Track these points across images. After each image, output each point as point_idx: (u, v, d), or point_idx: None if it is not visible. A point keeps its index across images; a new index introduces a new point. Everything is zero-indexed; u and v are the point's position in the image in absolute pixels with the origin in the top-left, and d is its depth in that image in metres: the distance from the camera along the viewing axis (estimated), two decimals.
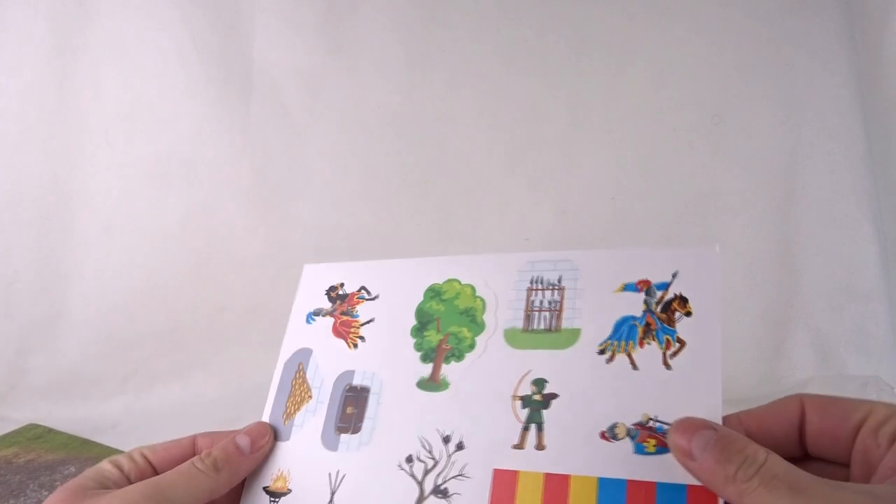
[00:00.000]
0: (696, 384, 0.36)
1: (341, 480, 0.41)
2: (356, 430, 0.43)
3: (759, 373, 0.72)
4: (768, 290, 0.72)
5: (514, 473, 0.38)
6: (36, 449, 0.74)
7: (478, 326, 0.43)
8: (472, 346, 0.42)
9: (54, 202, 0.65)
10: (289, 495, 0.42)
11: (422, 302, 0.45)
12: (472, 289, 0.44)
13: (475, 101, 0.78)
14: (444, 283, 0.45)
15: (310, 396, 0.45)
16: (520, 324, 0.42)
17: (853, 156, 0.65)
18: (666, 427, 0.36)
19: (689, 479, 0.34)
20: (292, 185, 0.78)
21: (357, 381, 0.44)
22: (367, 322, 0.46)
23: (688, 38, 0.71)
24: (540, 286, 0.43)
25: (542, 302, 0.42)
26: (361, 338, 0.46)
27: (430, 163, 0.79)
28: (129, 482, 0.41)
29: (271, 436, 0.44)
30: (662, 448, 0.35)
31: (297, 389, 0.46)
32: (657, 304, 0.39)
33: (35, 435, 0.78)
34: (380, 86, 0.77)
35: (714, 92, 0.72)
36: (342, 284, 0.49)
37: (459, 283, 0.45)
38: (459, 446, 0.40)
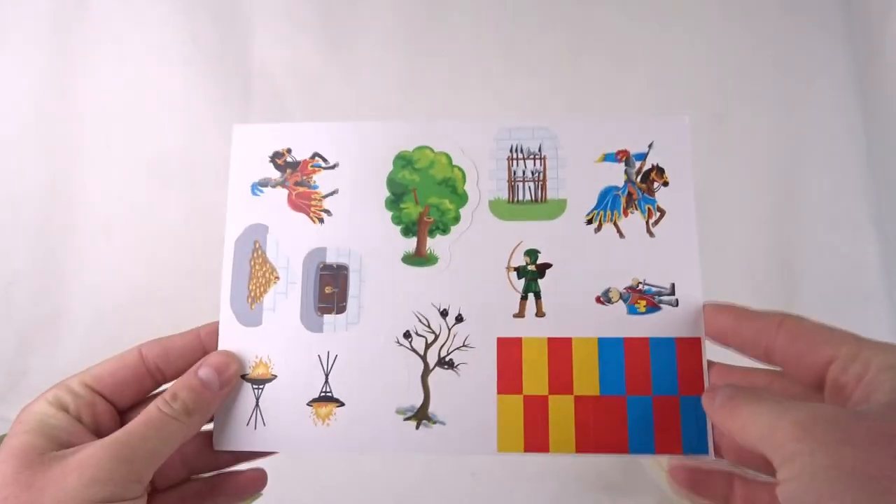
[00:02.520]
0: (676, 249, 0.40)
1: (334, 361, 0.41)
2: (340, 309, 0.41)
3: None
4: (768, 290, 0.73)
5: (518, 340, 0.40)
6: None
7: (460, 198, 0.42)
8: (456, 219, 0.42)
9: (54, 202, 0.62)
10: (275, 381, 0.41)
11: (392, 171, 0.43)
12: (448, 157, 0.43)
13: (475, 100, 0.75)
14: (415, 150, 0.43)
15: (276, 277, 0.42)
16: (504, 195, 0.42)
17: (853, 156, 0.66)
18: (654, 289, 0.40)
19: (678, 333, 0.39)
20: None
21: (331, 259, 0.42)
22: (331, 194, 0.43)
23: (688, 38, 0.69)
24: (520, 155, 0.42)
25: (524, 172, 0.42)
26: (326, 211, 0.43)
27: None
28: (84, 427, 0.35)
29: (238, 365, 0.40)
30: (652, 308, 0.40)
31: (257, 270, 0.42)
32: (637, 174, 0.42)
33: None
34: (380, 85, 0.74)
35: (714, 92, 0.71)
36: (289, 150, 0.43)
37: (432, 150, 0.43)
38: (459, 319, 0.41)
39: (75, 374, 0.37)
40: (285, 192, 0.43)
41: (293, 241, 0.42)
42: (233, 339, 0.41)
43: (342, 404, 0.40)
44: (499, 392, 0.40)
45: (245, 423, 0.40)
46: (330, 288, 0.42)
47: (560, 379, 0.39)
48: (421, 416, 0.40)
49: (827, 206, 0.69)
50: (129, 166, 0.67)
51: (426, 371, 0.40)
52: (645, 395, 0.39)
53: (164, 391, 0.37)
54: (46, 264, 0.65)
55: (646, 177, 0.42)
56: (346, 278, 0.42)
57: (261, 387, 0.41)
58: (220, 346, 0.41)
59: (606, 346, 0.40)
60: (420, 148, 0.43)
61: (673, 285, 0.40)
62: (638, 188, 0.41)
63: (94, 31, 0.69)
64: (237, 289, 0.42)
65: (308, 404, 0.40)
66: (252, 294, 0.42)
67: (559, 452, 0.39)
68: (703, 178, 0.72)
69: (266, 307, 0.42)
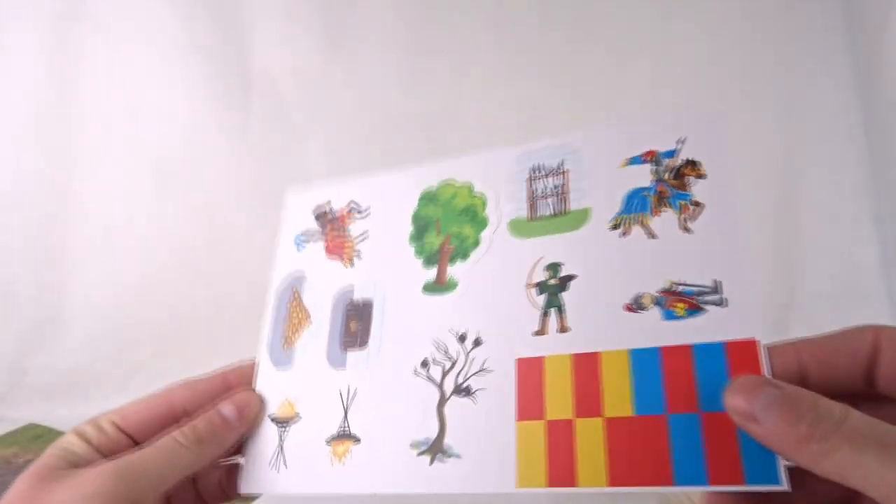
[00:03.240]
0: (718, 244, 0.34)
1: (353, 396, 0.39)
2: (363, 343, 0.40)
3: None
4: (768, 289, 0.71)
5: (539, 360, 0.35)
6: (36, 449, 0.72)
7: (480, 223, 0.41)
8: (476, 243, 0.40)
9: (54, 202, 0.62)
10: (299, 421, 0.40)
11: (417, 209, 0.43)
12: (469, 187, 0.42)
13: (475, 100, 0.76)
14: (438, 186, 0.43)
15: (309, 320, 0.43)
16: (524, 213, 0.40)
17: (853, 156, 0.64)
18: (694, 289, 0.34)
19: (727, 336, 0.32)
20: (292, 184, 0.76)
21: (358, 296, 0.42)
22: (361, 236, 0.44)
23: (687, 38, 0.69)
24: (541, 173, 0.40)
25: (545, 188, 0.40)
26: (357, 253, 0.43)
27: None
28: (101, 455, 0.36)
29: (260, 405, 0.41)
30: (694, 310, 0.34)
31: (294, 315, 0.43)
32: (667, 171, 0.37)
33: (35, 435, 0.77)
34: (379, 86, 0.75)
35: (714, 92, 0.70)
36: (329, 202, 0.46)
37: (454, 183, 0.42)
38: (477, 342, 0.37)
39: (106, 413, 0.38)
40: (323, 241, 0.45)
41: (326, 284, 0.43)
42: (265, 381, 0.42)
43: (358, 441, 0.38)
44: (518, 419, 0.35)
45: (268, 465, 0.39)
46: (355, 324, 0.41)
47: (587, 399, 0.34)
48: (435, 449, 0.36)
49: (827, 205, 0.65)
50: (129, 166, 0.66)
51: (442, 400, 0.37)
52: (690, 412, 0.32)
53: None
54: (46, 264, 0.64)
55: (678, 172, 0.37)
56: (369, 313, 0.41)
57: (285, 427, 0.40)
58: (255, 387, 0.42)
59: (640, 358, 0.33)
60: (444, 183, 0.43)
61: (717, 283, 0.34)
62: (669, 185, 0.37)
63: (94, 32, 0.68)
64: (275, 334, 0.43)
65: (327, 443, 0.38)
66: (286, 338, 0.43)
67: (589, 486, 0.32)
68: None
69: (298, 350, 0.42)
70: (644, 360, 0.33)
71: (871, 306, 0.62)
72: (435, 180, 0.43)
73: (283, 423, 0.40)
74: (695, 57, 0.68)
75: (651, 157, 0.38)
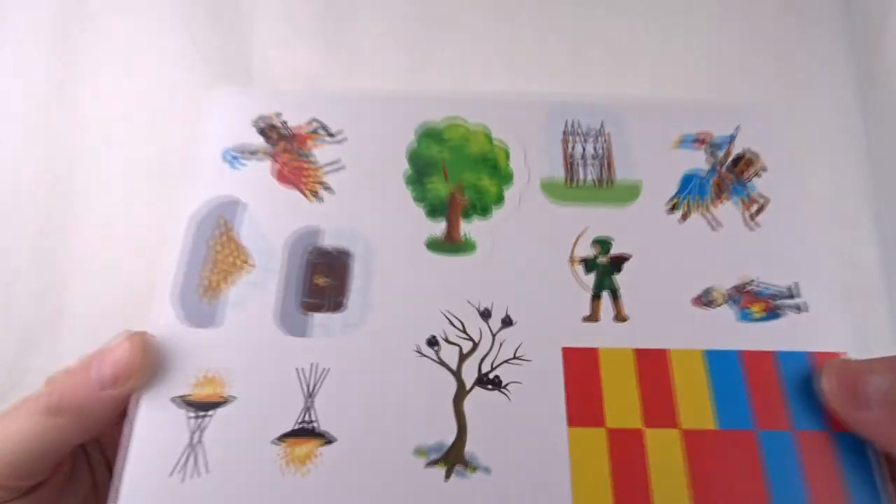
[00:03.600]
0: (790, 243, 0.31)
1: (322, 377, 0.27)
2: (335, 306, 0.29)
3: None
4: None
5: (593, 352, 0.28)
6: None
7: (502, 177, 0.32)
8: (498, 199, 0.32)
9: (54, 202, 0.61)
10: (228, 406, 0.27)
11: (415, 146, 0.33)
12: (485, 132, 0.33)
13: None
14: (444, 123, 0.34)
15: (248, 263, 0.30)
16: (560, 175, 0.32)
17: (853, 156, 0.63)
18: (771, 290, 0.29)
19: (812, 346, 0.28)
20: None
21: (328, 242, 0.30)
22: (331, 165, 0.32)
23: (687, 38, 0.67)
24: (578, 132, 0.34)
25: (584, 152, 0.33)
26: (325, 186, 0.32)
27: None
28: None
29: (145, 367, 0.27)
30: (772, 313, 0.29)
31: (220, 254, 0.30)
32: (724, 160, 0.33)
33: None
34: (380, 85, 0.70)
35: (714, 92, 0.67)
36: (279, 115, 0.34)
37: (466, 123, 0.34)
38: (506, 322, 0.29)
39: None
40: (272, 164, 0.32)
41: (278, 219, 0.31)
42: (171, 343, 0.28)
43: (328, 441, 0.26)
44: (570, 424, 0.27)
45: (170, 472, 0.26)
46: (323, 279, 0.30)
47: (658, 406, 0.27)
48: (453, 458, 0.26)
49: (827, 205, 0.64)
50: (130, 166, 0.63)
51: (461, 393, 0.27)
52: (781, 429, 0.27)
53: None
54: (46, 264, 0.62)
55: (736, 163, 0.33)
56: (346, 267, 0.30)
57: (204, 415, 0.27)
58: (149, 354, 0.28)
59: (717, 362, 0.28)
60: (451, 120, 0.34)
61: (793, 286, 0.30)
62: (728, 176, 0.33)
63: (94, 31, 0.67)
64: (187, 277, 0.29)
65: (276, 441, 0.26)
66: (208, 283, 0.29)
67: None
68: None
69: (230, 301, 0.29)
70: (722, 364, 0.28)
71: (872, 306, 0.62)
72: (438, 114, 0.34)
73: (199, 408, 0.27)
74: (694, 57, 0.68)
75: (705, 141, 0.33)
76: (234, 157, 0.32)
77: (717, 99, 0.35)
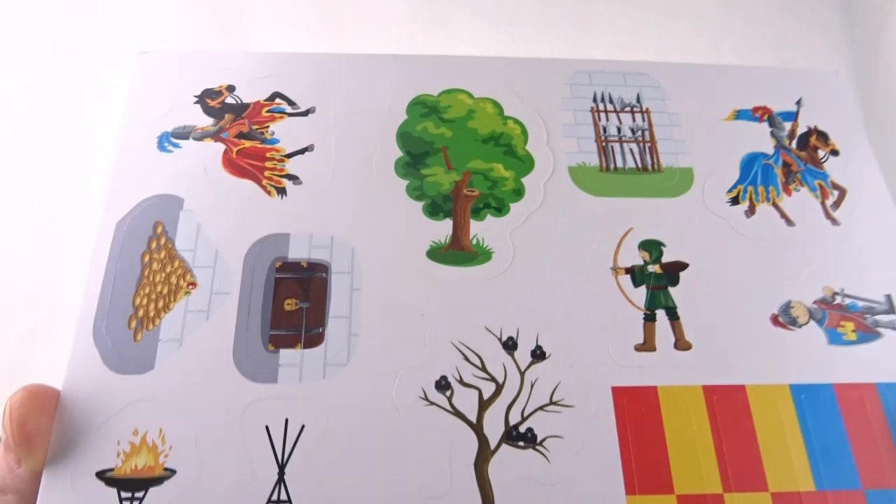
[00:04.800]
0: (880, 242, 0.25)
1: (296, 439, 0.20)
2: (313, 340, 0.22)
3: None
4: None
5: (651, 391, 0.22)
6: None
7: (521, 163, 0.25)
8: (518, 192, 0.25)
9: (54, 202, 0.61)
10: (169, 483, 0.20)
11: (406, 121, 0.26)
12: (496, 105, 0.26)
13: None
14: (442, 95, 0.27)
15: (190, 283, 0.22)
16: (593, 159, 0.26)
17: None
18: (862, 304, 0.23)
19: None
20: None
21: (298, 254, 0.23)
22: (300, 152, 0.25)
23: (687, 38, 0.65)
24: (611, 107, 0.27)
25: (620, 129, 0.26)
26: (291, 177, 0.24)
27: None
28: None
29: (44, 435, 0.20)
30: (866, 334, 0.23)
31: (155, 272, 0.23)
32: (790, 139, 0.27)
33: None
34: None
35: None
36: (230, 88, 0.26)
37: (470, 95, 0.27)
38: (538, 355, 0.22)
39: None
40: (220, 147, 0.25)
41: (229, 223, 0.23)
42: (89, 395, 0.20)
43: None
44: (629, 492, 0.20)
45: None
46: (293, 302, 0.22)
47: (739, 462, 0.21)
48: None
49: None
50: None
51: (484, 453, 0.21)
52: (893, 486, 0.21)
53: None
54: (46, 264, 0.61)
55: (804, 142, 0.27)
56: (324, 285, 0.23)
57: (137, 498, 0.19)
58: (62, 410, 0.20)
59: (809, 400, 0.22)
60: (450, 91, 0.26)
61: (891, 297, 0.24)
62: (797, 157, 0.26)
63: (93, 30, 0.67)
64: (113, 305, 0.22)
65: None
66: (141, 314, 0.22)
67: None
68: None
69: (165, 337, 0.21)
70: (815, 403, 0.22)
71: None
72: (434, 84, 0.27)
73: (131, 486, 0.20)
74: (694, 57, 0.65)
75: (766, 115, 0.27)
76: (168, 140, 0.25)
77: (773, 68, 0.28)
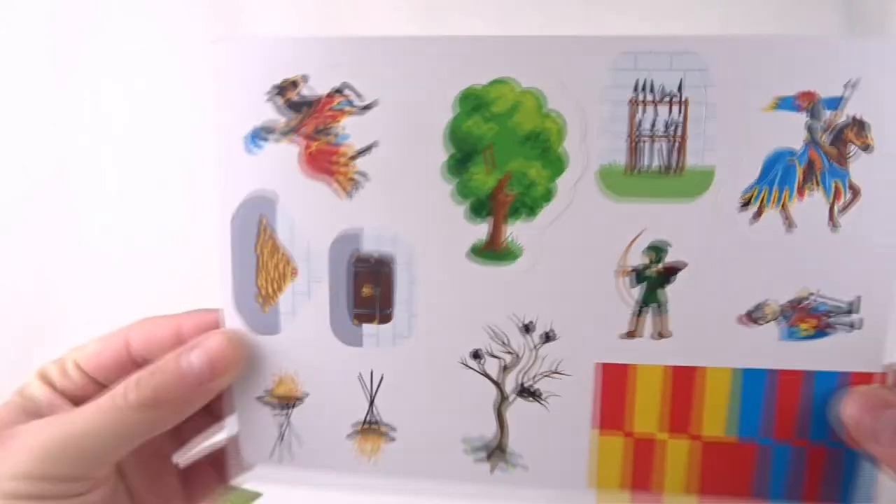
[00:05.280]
0: (869, 247, 0.28)
1: (379, 383, 0.31)
2: (384, 318, 0.30)
3: None
4: None
5: (628, 368, 0.29)
6: None
7: (555, 164, 0.29)
8: (548, 195, 0.29)
9: (54, 202, 0.63)
10: (305, 401, 0.31)
11: (455, 119, 0.29)
12: (538, 99, 0.28)
13: None
14: (491, 85, 0.28)
15: (294, 270, 0.30)
16: (622, 158, 0.28)
17: None
18: (829, 305, 0.28)
19: (849, 367, 0.29)
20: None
21: (369, 247, 0.30)
22: (366, 149, 0.29)
23: None
24: (651, 97, 0.28)
25: (654, 123, 0.28)
26: (362, 174, 0.29)
27: None
28: (67, 401, 0.30)
29: (239, 354, 0.30)
30: (822, 331, 0.29)
31: (267, 260, 0.30)
32: (825, 131, 0.28)
33: None
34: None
35: None
36: (304, 79, 0.29)
37: (515, 86, 0.28)
38: (548, 337, 0.30)
39: (71, 351, 0.32)
40: (297, 147, 0.29)
41: (314, 219, 0.30)
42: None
43: (392, 440, 0.31)
44: (598, 427, 0.30)
45: (269, 455, 0.32)
46: (369, 288, 0.30)
47: (682, 418, 0.30)
48: (497, 455, 0.31)
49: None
50: (130, 166, 0.64)
51: (501, 400, 0.30)
52: (798, 443, 0.29)
53: None
54: (46, 264, 0.64)
55: (838, 136, 0.28)
56: (390, 276, 0.30)
57: (287, 410, 0.31)
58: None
59: (748, 380, 0.29)
60: (498, 82, 0.28)
61: (857, 300, 0.28)
62: (824, 154, 0.28)
63: (93, 30, 0.67)
64: (243, 286, 0.31)
65: (350, 436, 0.31)
66: (263, 293, 0.31)
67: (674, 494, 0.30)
68: None
69: (283, 310, 0.31)
70: (752, 382, 0.29)
71: None
72: (483, 74, 0.28)
73: (282, 404, 0.31)
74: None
75: (809, 103, 0.27)
76: (258, 140, 0.30)
77: (831, 38, 0.26)
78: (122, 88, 0.65)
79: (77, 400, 0.30)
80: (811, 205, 0.28)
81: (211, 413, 0.32)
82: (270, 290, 0.30)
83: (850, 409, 0.28)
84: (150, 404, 0.28)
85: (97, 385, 0.31)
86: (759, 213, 0.28)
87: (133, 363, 0.31)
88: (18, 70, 0.63)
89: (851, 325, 0.28)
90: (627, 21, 0.61)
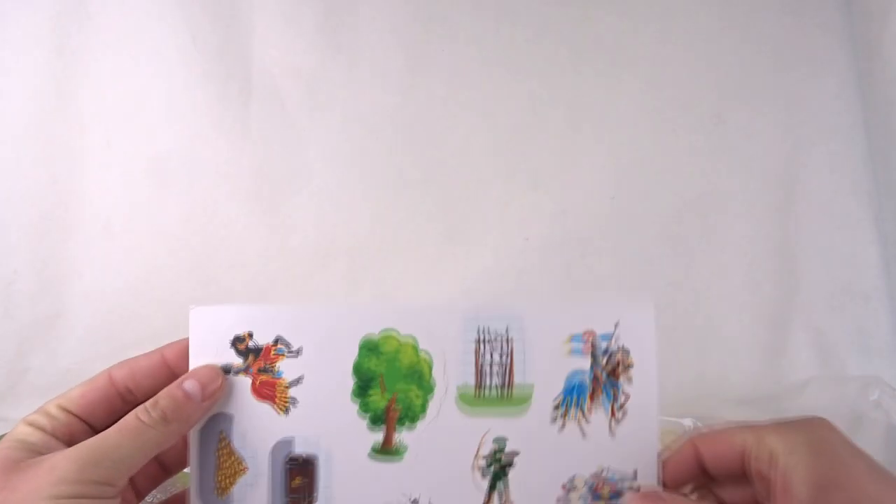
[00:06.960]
0: (636, 444, 0.41)
1: None
2: (310, 502, 0.42)
3: (760, 373, 0.72)
4: (768, 289, 0.73)
5: None
6: None
7: (426, 388, 0.42)
8: (423, 410, 0.42)
9: (54, 202, 0.64)
10: None
11: (358, 360, 0.42)
12: (413, 344, 0.42)
13: (475, 101, 0.76)
14: (380, 336, 0.42)
15: (244, 468, 0.42)
16: (471, 381, 0.42)
17: (853, 156, 0.64)
18: (617, 476, 0.41)
19: None
20: (292, 184, 0.78)
21: (299, 450, 0.42)
22: (296, 382, 0.42)
23: (688, 39, 0.67)
24: (488, 336, 0.42)
25: (492, 356, 0.42)
26: (292, 400, 0.42)
27: (430, 162, 0.78)
28: (58, 441, 0.35)
29: (223, 379, 0.41)
30: (615, 494, 0.41)
31: (224, 461, 0.42)
32: (603, 355, 0.42)
33: None
34: (380, 85, 0.75)
35: (714, 92, 0.69)
36: (251, 335, 0.42)
37: (398, 336, 0.42)
38: None
39: (51, 399, 0.37)
40: (249, 379, 0.42)
41: (259, 432, 0.42)
42: None
43: None
44: None
45: None
46: (298, 480, 0.42)
47: None
48: None
49: (827, 205, 0.68)
50: (129, 166, 0.68)
51: None
52: None
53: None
54: (46, 264, 0.65)
55: (611, 357, 0.42)
56: (314, 471, 0.42)
57: None
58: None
59: None
60: (386, 333, 0.42)
61: (635, 472, 0.41)
62: (604, 371, 0.42)
63: (93, 31, 0.69)
64: (205, 481, 0.42)
65: None
66: (220, 485, 0.42)
67: None
68: (704, 178, 0.75)
69: (236, 499, 0.42)
70: None
71: (872, 306, 0.66)
72: (377, 327, 0.42)
73: None
74: (694, 57, 0.68)
75: (591, 338, 0.42)
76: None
77: (602, 297, 0.41)
78: (121, 90, 0.66)
79: (68, 440, 0.36)
80: (598, 417, 0.42)
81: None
82: (225, 483, 0.42)
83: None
84: (165, 420, 0.36)
85: (84, 424, 0.37)
86: (563, 426, 0.42)
87: (119, 397, 0.39)
88: (16, 72, 0.65)
89: (635, 488, 0.41)
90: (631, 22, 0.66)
